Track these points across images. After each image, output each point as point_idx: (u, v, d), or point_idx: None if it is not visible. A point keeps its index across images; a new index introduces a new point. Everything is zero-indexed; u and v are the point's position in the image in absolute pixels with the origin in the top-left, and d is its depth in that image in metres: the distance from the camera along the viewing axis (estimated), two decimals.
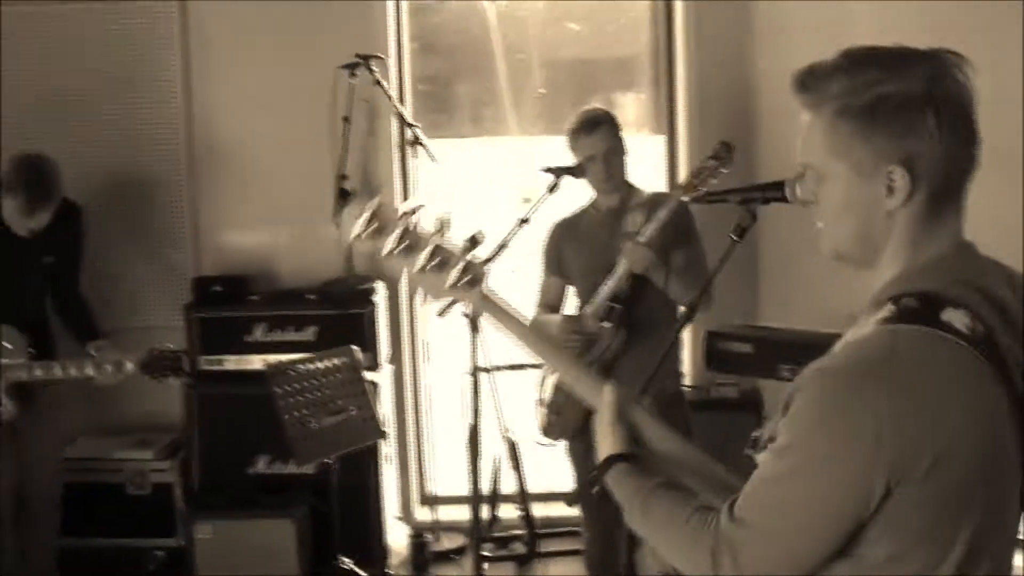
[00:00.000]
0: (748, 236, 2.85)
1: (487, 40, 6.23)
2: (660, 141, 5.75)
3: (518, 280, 4.47)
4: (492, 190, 14.82)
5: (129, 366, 4.38)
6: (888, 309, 1.63)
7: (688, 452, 2.09)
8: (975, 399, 1.58)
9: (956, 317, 1.60)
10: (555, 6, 6.24)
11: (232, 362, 5.19)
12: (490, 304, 2.10)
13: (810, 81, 1.72)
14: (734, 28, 5.38)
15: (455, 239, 2.06)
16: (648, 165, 5.51)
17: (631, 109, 6.05)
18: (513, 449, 5.16)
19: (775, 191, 2.65)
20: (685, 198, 3.87)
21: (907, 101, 1.64)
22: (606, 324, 4.01)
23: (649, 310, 4.02)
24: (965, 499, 1.56)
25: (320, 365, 4.52)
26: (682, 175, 5.32)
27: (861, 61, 1.69)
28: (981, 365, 1.59)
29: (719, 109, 5.40)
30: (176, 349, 4.47)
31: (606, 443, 2.01)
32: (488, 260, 3.76)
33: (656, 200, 4.11)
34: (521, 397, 4.94)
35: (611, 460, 1.98)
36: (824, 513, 1.59)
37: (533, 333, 2.14)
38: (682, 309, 3.80)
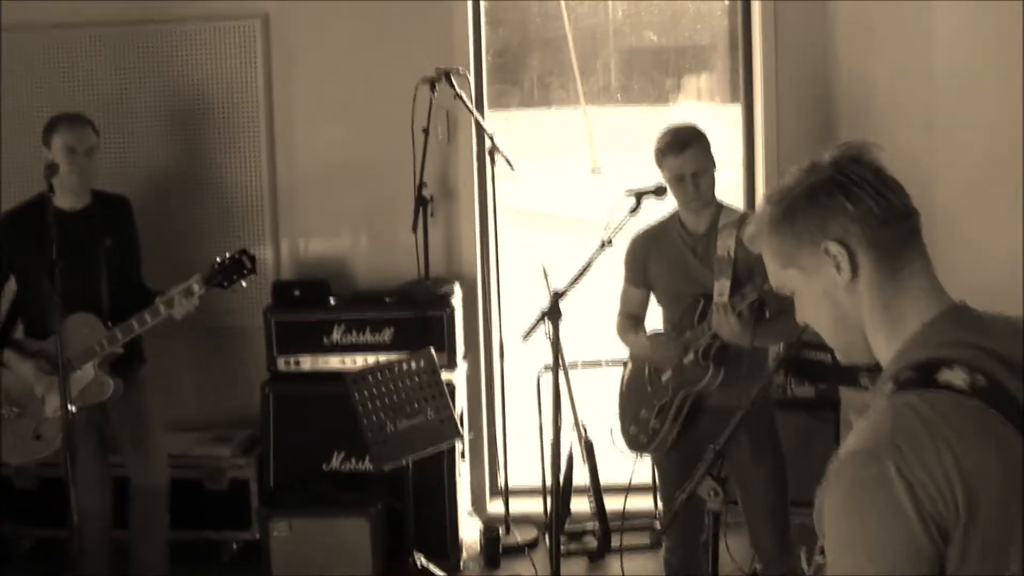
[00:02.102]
0: None
1: (557, 13, 6.29)
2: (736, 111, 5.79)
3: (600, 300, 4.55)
4: (559, 160, 14.90)
5: (197, 287, 4.46)
6: (889, 387, 1.71)
7: None
8: (989, 441, 1.63)
9: (953, 376, 1.67)
10: None
11: (309, 362, 5.31)
12: None
13: (752, 227, 1.95)
14: (812, 10, 5.46)
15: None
16: (724, 134, 5.51)
17: (704, 82, 6.08)
18: (588, 444, 5.24)
19: None
20: None
21: (814, 191, 1.83)
22: (705, 362, 4.07)
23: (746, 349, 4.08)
24: (1007, 530, 1.62)
25: (398, 369, 4.63)
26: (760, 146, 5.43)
27: (780, 189, 1.89)
28: (987, 411, 1.64)
29: (797, 81, 5.49)
30: (235, 253, 4.52)
31: None
32: (573, 282, 3.89)
33: (747, 221, 4.11)
34: (595, 393, 5.06)
35: None
36: None
37: None
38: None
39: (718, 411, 4.06)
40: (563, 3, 10.84)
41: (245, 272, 4.51)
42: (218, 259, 4.50)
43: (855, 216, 1.80)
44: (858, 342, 1.87)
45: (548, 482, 5.52)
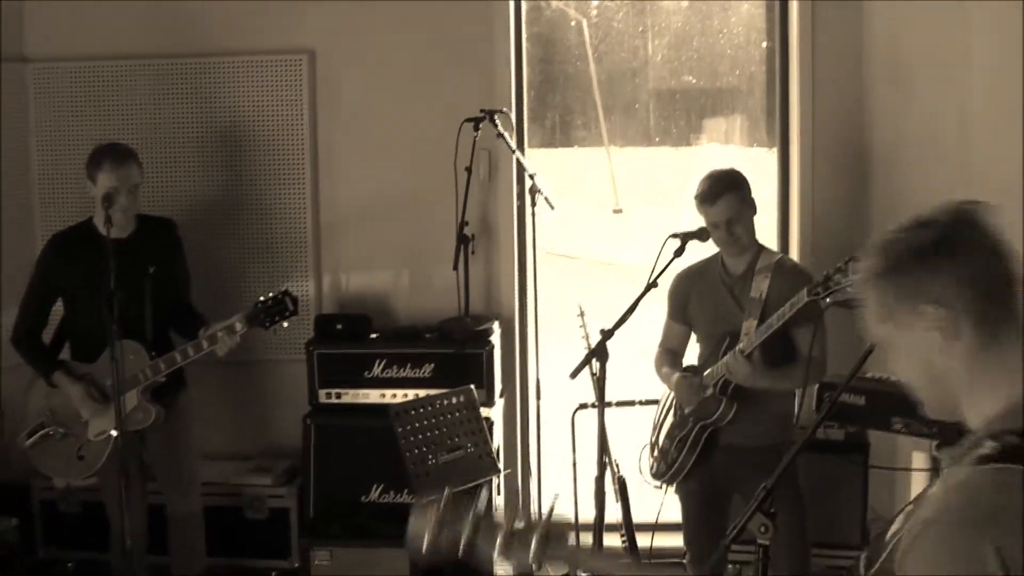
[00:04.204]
0: None
1: (582, 54, 6.36)
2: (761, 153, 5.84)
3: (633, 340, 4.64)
4: (581, 199, 14.93)
5: (239, 325, 4.59)
6: (989, 446, 1.69)
7: None
8: None
9: None
10: (653, 22, 6.35)
11: (349, 395, 5.39)
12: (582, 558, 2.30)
13: (859, 270, 1.94)
14: (848, 49, 5.55)
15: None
16: (760, 176, 5.59)
17: (730, 125, 6.16)
18: (621, 482, 5.31)
19: None
20: (806, 299, 3.89)
21: (920, 250, 1.83)
22: (720, 397, 4.21)
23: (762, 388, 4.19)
24: None
25: (440, 404, 4.71)
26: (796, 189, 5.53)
27: (887, 240, 1.90)
28: None
29: (833, 124, 5.58)
30: (278, 293, 4.64)
31: None
32: (619, 323, 3.99)
33: (782, 265, 4.24)
34: (628, 432, 5.14)
35: None
36: None
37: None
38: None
39: (733, 450, 4.22)
40: (588, 41, 11.00)
41: (287, 313, 4.65)
42: (261, 298, 4.63)
43: (962, 280, 1.80)
44: (949, 401, 1.87)
45: (580, 518, 5.61)
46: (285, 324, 4.68)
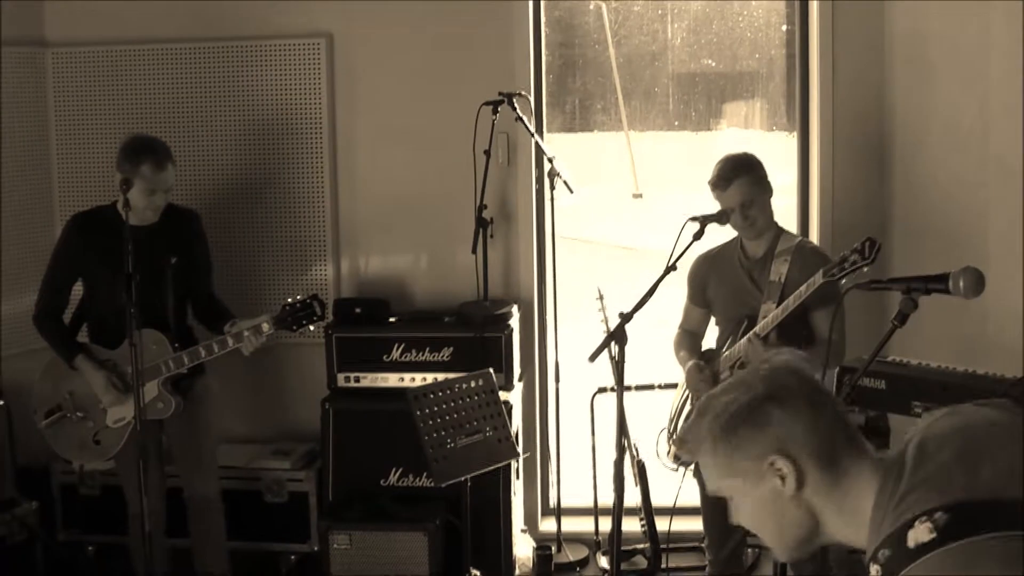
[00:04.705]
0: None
1: (601, 38, 6.35)
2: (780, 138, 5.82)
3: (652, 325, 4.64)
4: (600, 184, 14.90)
5: (266, 326, 4.59)
6: (924, 531, 1.68)
7: None
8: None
9: (918, 532, 1.68)
10: (672, 5, 6.33)
11: (368, 379, 5.40)
12: None
13: (686, 439, 2.00)
14: (869, 36, 5.51)
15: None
16: (780, 161, 5.58)
17: (750, 109, 6.14)
18: (640, 466, 5.32)
19: (939, 283, 2.82)
20: (821, 280, 3.88)
21: (751, 404, 1.89)
22: None
23: None
24: None
25: (458, 387, 4.72)
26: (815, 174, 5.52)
27: (702, 409, 1.97)
28: (976, 543, 1.65)
29: (853, 110, 5.55)
30: (307, 298, 4.64)
31: None
32: (638, 306, 3.99)
33: (802, 248, 4.23)
34: (647, 415, 5.14)
35: None
36: None
37: None
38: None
39: None
40: (607, 25, 10.96)
41: (315, 318, 4.66)
42: (289, 301, 4.64)
43: (792, 426, 1.86)
44: (802, 543, 1.92)
45: (599, 502, 5.63)
46: (312, 328, 4.69)
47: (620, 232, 15.01)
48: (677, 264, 4.10)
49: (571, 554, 5.62)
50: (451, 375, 4.97)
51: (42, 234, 5.63)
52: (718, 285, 4.40)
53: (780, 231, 4.30)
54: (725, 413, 1.91)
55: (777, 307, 4.06)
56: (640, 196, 16.02)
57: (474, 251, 5.31)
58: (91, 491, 5.60)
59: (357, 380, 5.42)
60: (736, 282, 4.31)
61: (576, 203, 5.54)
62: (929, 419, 1.87)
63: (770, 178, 4.35)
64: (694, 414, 2.00)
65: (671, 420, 4.57)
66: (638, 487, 5.34)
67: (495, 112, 5.26)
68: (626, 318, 4.05)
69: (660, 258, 4.25)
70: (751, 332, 4.08)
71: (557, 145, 5.61)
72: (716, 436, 1.92)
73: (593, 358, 4.23)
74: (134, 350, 4.25)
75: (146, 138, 4.74)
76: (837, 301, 3.58)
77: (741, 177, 4.22)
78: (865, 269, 3.73)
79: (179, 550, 5.00)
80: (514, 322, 5.46)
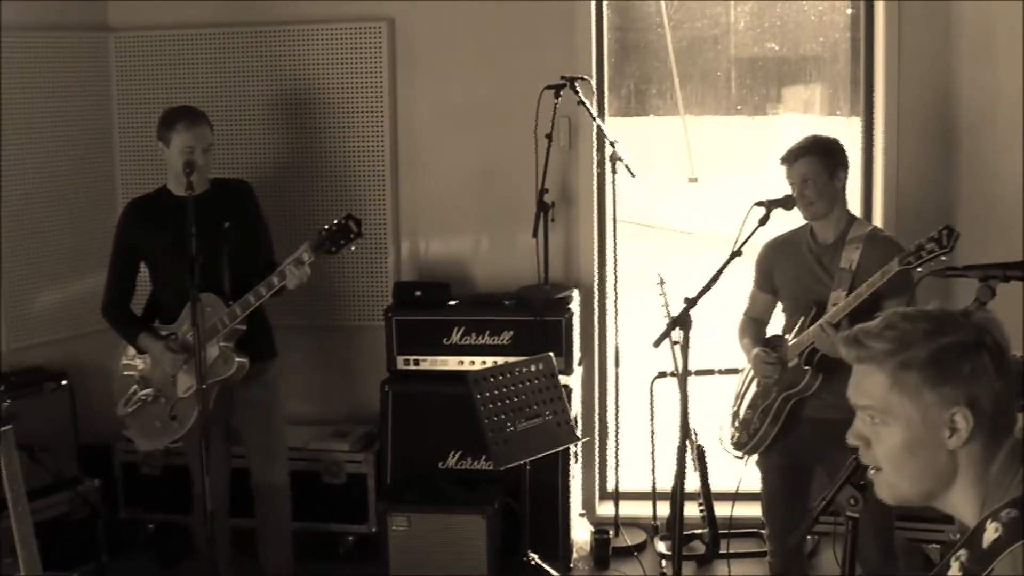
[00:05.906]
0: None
1: (659, 21, 6.31)
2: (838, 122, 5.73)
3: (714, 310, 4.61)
4: (656, 168, 14.86)
5: (306, 255, 4.49)
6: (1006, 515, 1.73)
7: None
8: None
9: None
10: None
11: (427, 362, 5.42)
12: None
13: (862, 338, 1.91)
14: (935, 18, 5.41)
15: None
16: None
17: (809, 93, 6.07)
18: (699, 451, 5.30)
19: (1017, 270, 2.77)
20: (896, 268, 3.83)
21: (965, 349, 1.82)
22: (806, 367, 4.16)
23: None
24: None
25: (519, 371, 4.72)
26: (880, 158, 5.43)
27: (910, 317, 1.88)
28: None
29: (919, 94, 5.46)
30: (340, 219, 4.52)
31: None
32: (703, 291, 3.96)
33: (874, 237, 4.17)
34: (708, 401, 5.12)
35: None
36: None
37: None
38: None
39: (816, 423, 4.15)
40: (664, 9, 10.90)
41: (352, 236, 4.52)
42: (325, 226, 4.53)
43: (992, 386, 1.82)
44: (933, 494, 1.89)
45: (657, 487, 5.61)
46: (352, 248, 4.57)
47: (676, 216, 14.96)
48: (742, 250, 4.06)
49: (629, 538, 5.61)
50: (511, 359, 4.97)
51: (105, 218, 5.67)
52: (786, 270, 4.34)
53: (852, 218, 4.23)
54: (931, 343, 1.84)
55: (848, 295, 4.01)
56: (695, 180, 15.97)
57: (535, 235, 5.29)
58: (152, 471, 5.66)
59: (416, 363, 5.43)
60: (804, 267, 4.25)
61: (633, 187, 5.50)
62: None
63: (847, 167, 4.27)
64: (879, 324, 1.91)
65: (734, 407, 4.53)
66: (697, 472, 5.33)
67: (557, 96, 5.24)
68: (691, 303, 4.01)
69: (718, 242, 4.22)
70: (822, 319, 4.03)
71: (613, 129, 5.58)
72: (913, 363, 1.84)
73: (658, 343, 4.21)
74: (196, 327, 4.26)
75: (179, 105, 4.75)
76: (911, 290, 3.52)
77: (809, 156, 4.15)
78: (943, 258, 3.68)
79: (244, 531, 5.02)
80: (574, 306, 5.44)
